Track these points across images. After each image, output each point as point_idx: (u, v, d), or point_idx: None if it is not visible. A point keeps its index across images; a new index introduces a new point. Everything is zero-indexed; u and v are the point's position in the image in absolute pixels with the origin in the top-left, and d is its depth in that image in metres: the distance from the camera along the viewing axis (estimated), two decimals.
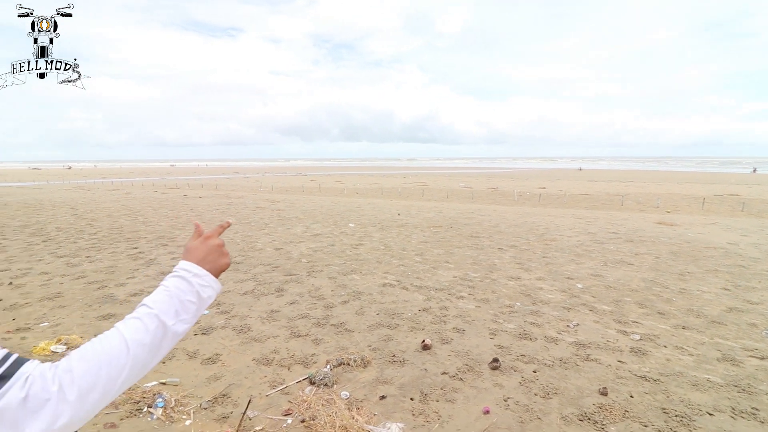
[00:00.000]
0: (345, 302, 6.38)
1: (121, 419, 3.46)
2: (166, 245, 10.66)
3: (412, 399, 3.80)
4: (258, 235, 12.27)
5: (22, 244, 10.62)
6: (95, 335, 0.78)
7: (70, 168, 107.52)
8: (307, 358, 4.56)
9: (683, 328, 5.43)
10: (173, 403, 3.67)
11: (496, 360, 4.41)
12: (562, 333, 5.27)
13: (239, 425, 3.33)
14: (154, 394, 3.76)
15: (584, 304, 6.35)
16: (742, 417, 3.52)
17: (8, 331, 5.15)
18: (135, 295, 6.60)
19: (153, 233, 12.46)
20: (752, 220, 16.77)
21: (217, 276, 0.95)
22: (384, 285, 7.29)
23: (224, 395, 3.84)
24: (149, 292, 0.89)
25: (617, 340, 5.07)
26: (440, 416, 3.55)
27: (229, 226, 1.05)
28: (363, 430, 3.30)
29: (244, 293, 6.76)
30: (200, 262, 0.93)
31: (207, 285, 0.91)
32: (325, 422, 3.36)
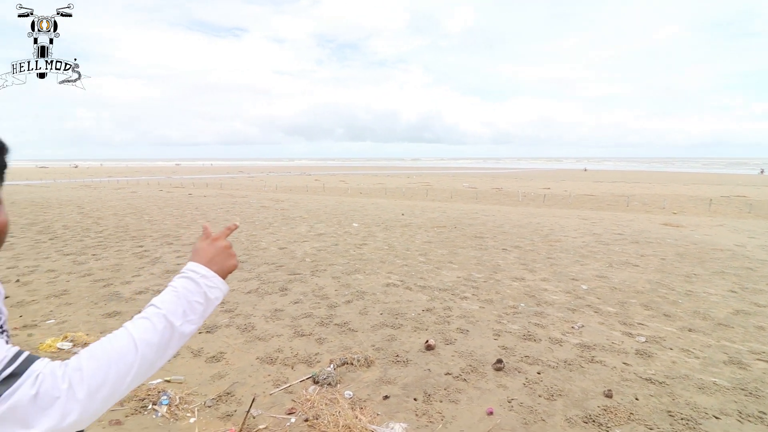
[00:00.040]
0: (348, 302, 6.38)
1: (126, 416, 3.49)
2: (171, 244, 10.72)
3: (415, 399, 3.80)
4: (262, 234, 12.31)
5: (30, 242, 10.72)
6: (101, 332, 0.78)
7: (76, 167, 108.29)
8: (310, 358, 4.57)
9: (689, 330, 5.39)
10: (178, 400, 3.69)
11: (499, 361, 4.39)
12: (567, 334, 5.24)
13: (243, 423, 3.34)
14: (159, 392, 3.78)
15: (589, 305, 6.32)
16: (749, 420, 3.48)
17: (15, 328, 5.20)
18: (140, 293, 6.62)
19: (158, 232, 12.53)
20: (760, 221, 16.61)
21: (224, 277, 0.96)
22: (387, 285, 7.29)
23: (228, 393, 3.86)
24: (154, 290, 0.89)
25: (622, 342, 5.04)
26: (444, 417, 3.54)
27: (236, 228, 1.06)
28: (366, 429, 3.30)
29: (248, 292, 6.78)
30: (208, 264, 0.94)
31: (214, 286, 0.92)
32: (328, 421, 3.36)
